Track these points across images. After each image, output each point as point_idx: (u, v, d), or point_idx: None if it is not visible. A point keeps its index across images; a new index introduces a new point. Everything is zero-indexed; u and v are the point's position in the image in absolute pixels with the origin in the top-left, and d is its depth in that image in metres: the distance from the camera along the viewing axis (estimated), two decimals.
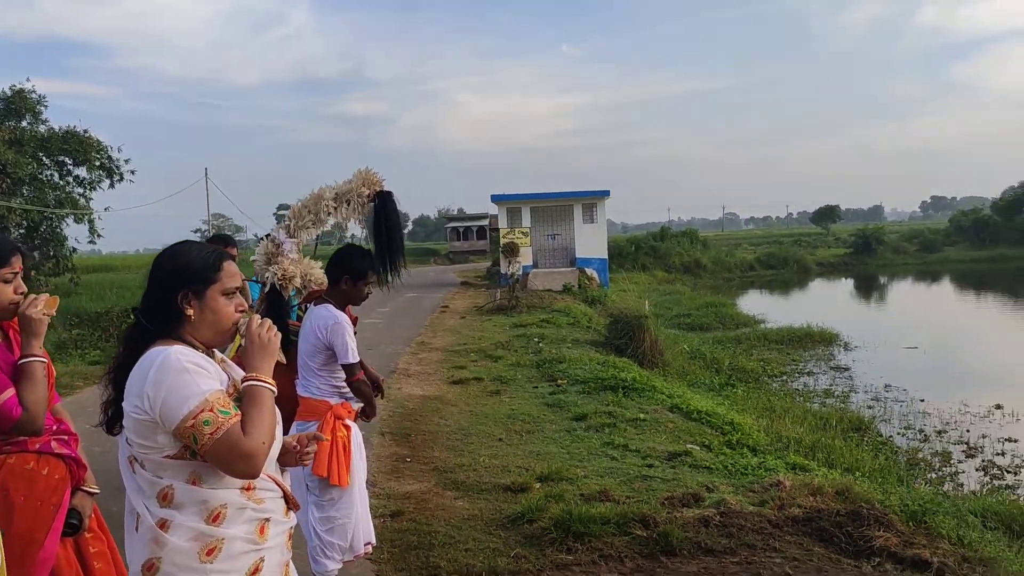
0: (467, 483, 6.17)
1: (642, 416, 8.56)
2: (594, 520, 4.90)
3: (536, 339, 14.74)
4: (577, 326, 17.33)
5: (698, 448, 7.41)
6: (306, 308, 4.39)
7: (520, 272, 27.29)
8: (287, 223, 4.39)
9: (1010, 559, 5.03)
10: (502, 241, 29.48)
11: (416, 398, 9.76)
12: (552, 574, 4.40)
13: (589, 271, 28.21)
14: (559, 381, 10.65)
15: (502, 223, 29.79)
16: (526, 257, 28.79)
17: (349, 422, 4.09)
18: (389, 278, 4.18)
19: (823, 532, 4.68)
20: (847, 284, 40.50)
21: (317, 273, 4.38)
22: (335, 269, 4.09)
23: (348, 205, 4.27)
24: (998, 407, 11.65)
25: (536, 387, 10.42)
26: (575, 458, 6.93)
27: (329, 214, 4.34)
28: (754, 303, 29.89)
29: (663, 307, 24.12)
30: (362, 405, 4.13)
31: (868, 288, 37.97)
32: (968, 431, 10.55)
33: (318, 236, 4.67)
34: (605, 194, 29.83)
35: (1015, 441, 9.96)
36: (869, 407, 12.06)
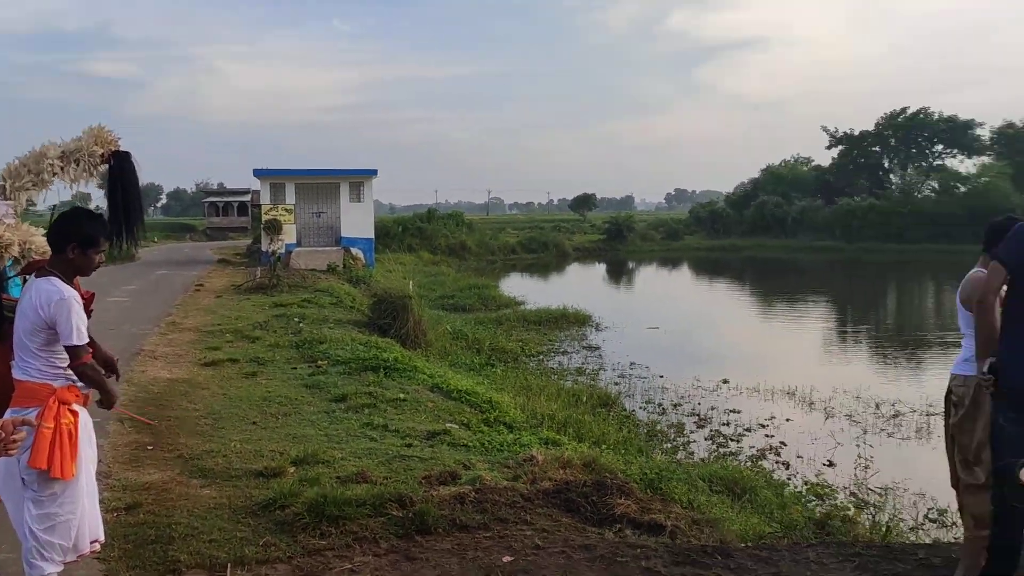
0: (215, 470, 5.84)
1: (403, 396, 8.56)
2: (350, 502, 4.80)
3: (297, 319, 14.29)
4: (340, 306, 17.02)
5: (457, 427, 7.52)
6: (26, 280, 3.90)
7: (283, 250, 26.36)
8: (1, 184, 3.87)
9: (732, 519, 5.56)
10: (264, 218, 28.30)
11: (163, 381, 9.10)
12: (303, 561, 4.25)
13: (355, 251, 27.80)
14: (319, 362, 10.39)
15: (265, 199, 28.58)
16: (289, 235, 27.86)
17: (78, 407, 3.68)
18: (125, 246, 3.80)
19: (571, 503, 4.91)
20: (600, 268, 43.04)
21: (38, 240, 3.89)
22: (60, 236, 3.63)
23: (77, 165, 3.84)
24: (725, 382, 12.87)
25: (295, 368, 10.10)
26: (333, 440, 6.78)
27: (55, 174, 3.87)
28: (515, 285, 30.94)
29: (428, 288, 24.31)
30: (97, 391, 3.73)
31: (619, 272, 40.61)
32: (700, 404, 11.56)
33: (55, 205, 4.16)
34: (372, 173, 29.48)
35: (739, 412, 11.04)
36: (616, 384, 12.87)
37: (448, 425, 7.47)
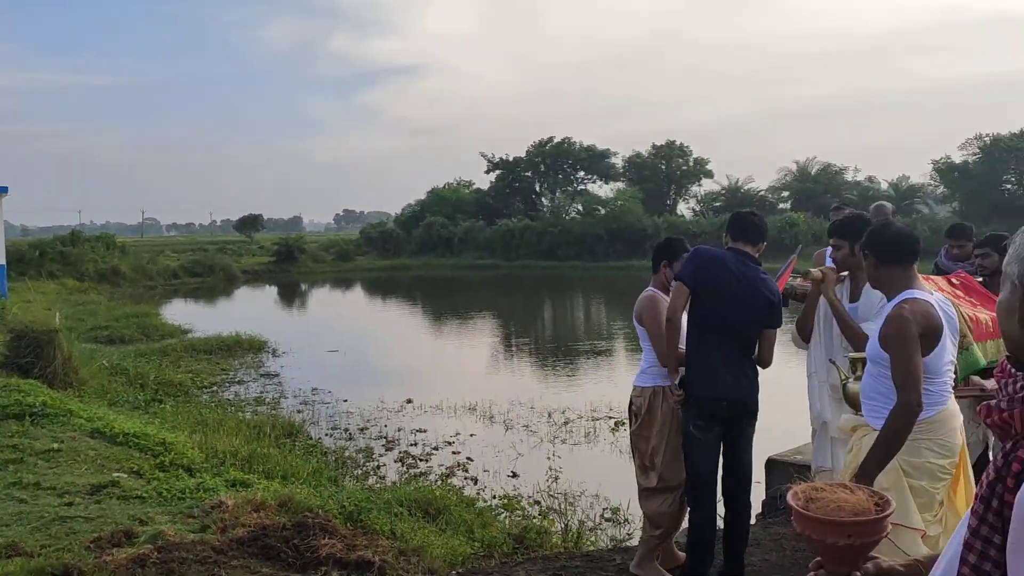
0: None
1: (57, 446, 7.47)
2: None
3: None
4: None
5: (127, 476, 6.71)
6: None
7: None
8: None
9: (435, 544, 5.55)
10: None
11: None
12: None
13: None
14: None
15: None
16: None
17: None
18: None
19: (270, 549, 4.56)
20: (272, 291, 41.57)
21: None
22: None
23: None
24: (409, 401, 12.98)
25: None
26: None
27: None
28: (180, 312, 28.80)
29: (77, 319, 21.74)
30: None
31: (292, 295, 39.52)
32: (386, 426, 11.52)
33: None
34: (2, 191, 25.79)
35: (425, 431, 11.17)
36: (299, 411, 12.43)
37: (116, 475, 6.65)
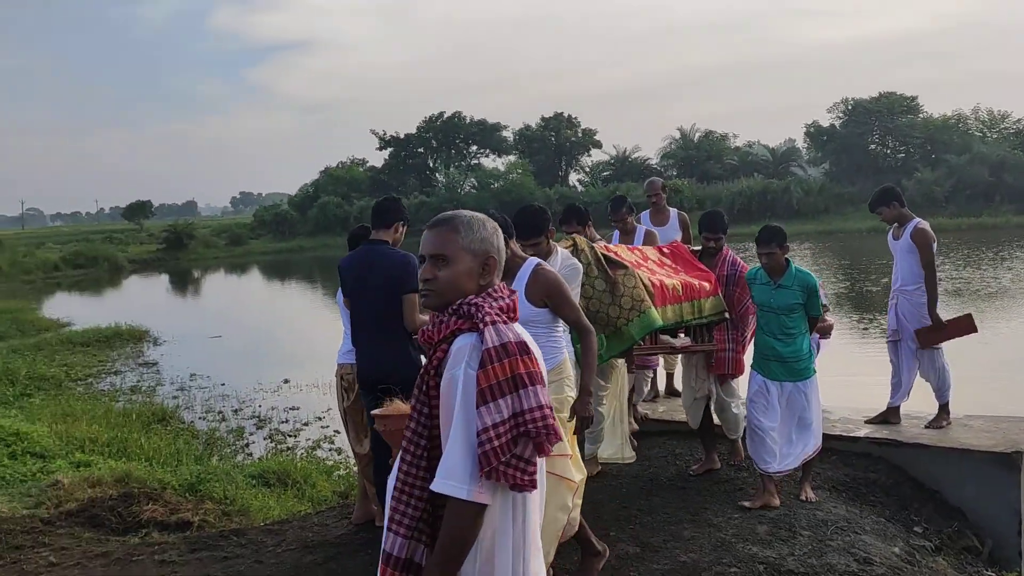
0: None
1: None
2: None
3: None
4: None
5: None
6: None
7: None
8: None
9: (271, 506, 6.01)
10: None
11: None
12: None
13: None
14: None
15: None
16: None
17: None
18: None
19: (96, 518, 4.92)
20: (163, 280, 40.70)
21: None
22: None
23: None
24: (286, 381, 13.28)
25: None
26: None
27: None
28: (61, 305, 28.06)
29: None
30: None
31: (182, 283, 38.81)
32: (260, 406, 11.83)
33: None
34: None
35: (297, 409, 11.51)
36: (174, 397, 12.58)
37: None
